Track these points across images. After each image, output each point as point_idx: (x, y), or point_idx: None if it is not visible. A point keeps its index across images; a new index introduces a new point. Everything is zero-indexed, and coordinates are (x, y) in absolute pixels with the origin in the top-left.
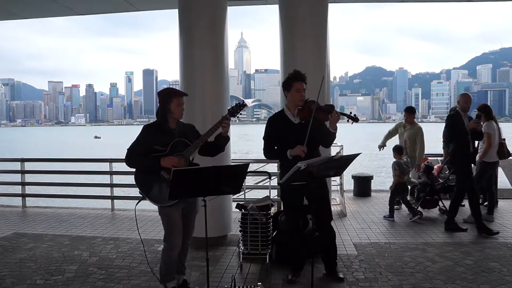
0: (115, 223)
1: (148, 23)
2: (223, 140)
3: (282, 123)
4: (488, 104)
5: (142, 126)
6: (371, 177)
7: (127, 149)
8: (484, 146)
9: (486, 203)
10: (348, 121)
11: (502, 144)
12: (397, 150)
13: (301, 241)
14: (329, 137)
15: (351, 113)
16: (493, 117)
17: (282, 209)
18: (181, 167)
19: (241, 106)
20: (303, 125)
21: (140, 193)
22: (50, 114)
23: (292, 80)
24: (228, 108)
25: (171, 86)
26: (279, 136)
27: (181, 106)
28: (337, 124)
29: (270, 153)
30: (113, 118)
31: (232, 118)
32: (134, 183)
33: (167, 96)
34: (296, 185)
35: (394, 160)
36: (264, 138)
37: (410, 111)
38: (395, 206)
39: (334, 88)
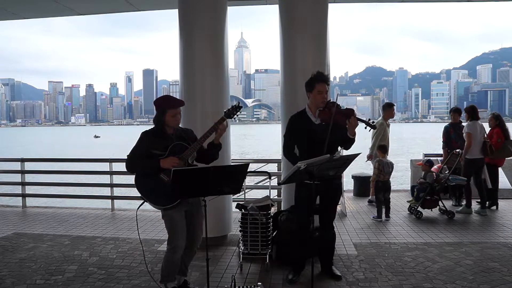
0: (115, 223)
1: (148, 23)
2: (216, 148)
3: (303, 122)
4: (488, 104)
5: (143, 126)
6: (371, 177)
7: (127, 155)
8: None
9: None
10: (365, 128)
11: (485, 142)
12: (382, 149)
13: (301, 241)
14: (349, 142)
15: (369, 119)
16: (478, 118)
17: (282, 209)
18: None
19: (237, 108)
20: (323, 126)
21: (140, 196)
22: (50, 114)
23: (314, 81)
24: (225, 110)
25: (171, 86)
26: (300, 135)
27: (176, 116)
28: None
29: (291, 157)
30: (113, 118)
31: (231, 119)
32: (134, 183)
33: (161, 107)
34: (312, 184)
35: (378, 158)
36: (285, 136)
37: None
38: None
39: (334, 88)
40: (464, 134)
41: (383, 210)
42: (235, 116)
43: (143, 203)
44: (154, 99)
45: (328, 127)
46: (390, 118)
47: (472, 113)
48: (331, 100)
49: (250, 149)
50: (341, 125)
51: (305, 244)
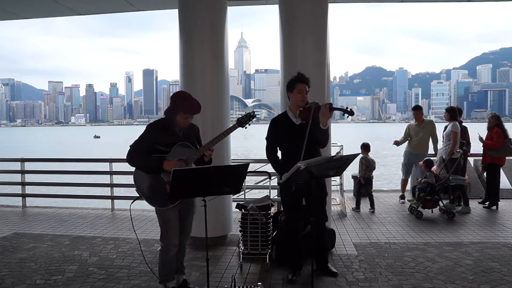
0: (115, 223)
1: (148, 23)
2: (205, 164)
3: (284, 124)
4: (488, 104)
5: (143, 126)
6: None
7: (130, 146)
8: (450, 143)
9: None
10: (343, 115)
11: (462, 143)
12: (365, 147)
13: (301, 241)
14: (322, 135)
15: (347, 108)
16: (457, 119)
17: (282, 209)
18: None
19: (250, 116)
20: (304, 125)
21: (137, 191)
22: (50, 114)
23: (295, 82)
24: (238, 117)
25: (171, 86)
26: (281, 137)
27: (187, 120)
28: (337, 125)
29: (273, 159)
30: (113, 118)
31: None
32: (133, 177)
33: (176, 107)
34: (296, 184)
35: (362, 156)
36: (266, 138)
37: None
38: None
39: (334, 88)
40: (450, 133)
41: (366, 203)
42: (248, 125)
43: (137, 199)
44: (154, 99)
45: (307, 126)
46: (418, 119)
47: (454, 114)
48: (311, 101)
49: (251, 149)
50: (319, 121)
51: (300, 244)
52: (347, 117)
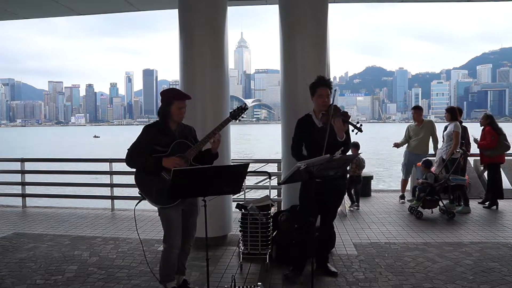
0: (115, 223)
1: (148, 23)
2: (212, 157)
3: (307, 125)
4: (488, 104)
5: (143, 126)
6: (371, 177)
7: (128, 149)
8: (451, 143)
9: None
10: (352, 131)
11: (462, 143)
12: (355, 146)
13: (301, 241)
14: (342, 145)
15: (358, 122)
16: (457, 119)
17: (282, 209)
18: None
19: (243, 109)
20: (324, 129)
21: (139, 193)
22: (50, 114)
23: (316, 86)
24: (230, 111)
25: (171, 86)
26: (305, 138)
27: (182, 110)
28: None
29: (298, 157)
30: (113, 118)
31: (236, 120)
32: (134, 183)
33: (168, 98)
34: (318, 183)
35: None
36: (293, 138)
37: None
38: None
39: (334, 88)
40: (451, 133)
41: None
42: (241, 117)
43: (141, 200)
44: (154, 99)
45: (326, 130)
46: (417, 119)
47: (455, 114)
48: (334, 105)
49: (250, 149)
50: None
51: (304, 244)
52: (356, 133)
